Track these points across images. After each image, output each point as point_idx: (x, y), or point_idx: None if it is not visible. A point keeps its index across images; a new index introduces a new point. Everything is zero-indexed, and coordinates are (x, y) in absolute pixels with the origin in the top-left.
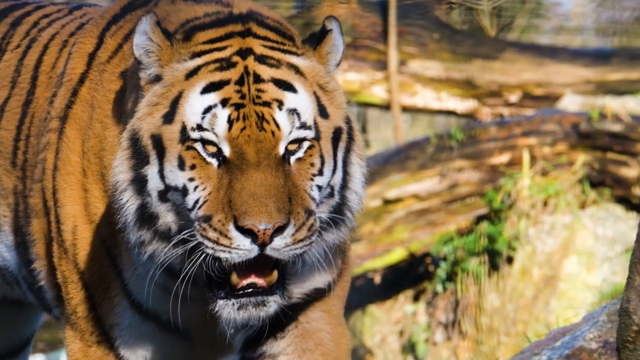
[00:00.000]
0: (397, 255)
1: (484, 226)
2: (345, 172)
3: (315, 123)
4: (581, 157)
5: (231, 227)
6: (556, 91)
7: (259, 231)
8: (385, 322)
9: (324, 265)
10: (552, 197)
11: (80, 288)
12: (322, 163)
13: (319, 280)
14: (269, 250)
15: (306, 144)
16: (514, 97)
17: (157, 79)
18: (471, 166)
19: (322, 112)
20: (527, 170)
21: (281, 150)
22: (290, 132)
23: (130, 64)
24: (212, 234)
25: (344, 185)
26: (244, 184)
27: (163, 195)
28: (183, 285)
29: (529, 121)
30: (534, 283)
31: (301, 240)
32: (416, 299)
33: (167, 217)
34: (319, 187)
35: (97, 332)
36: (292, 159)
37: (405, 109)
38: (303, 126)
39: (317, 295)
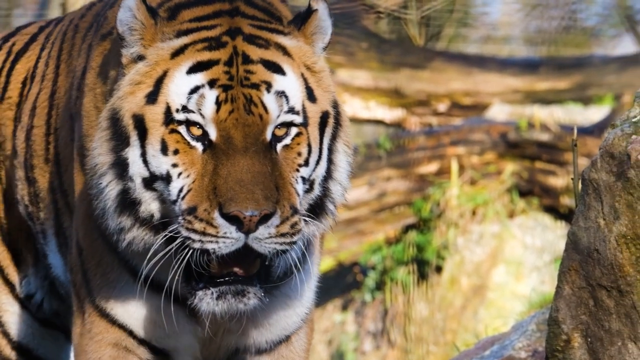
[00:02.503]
0: (325, 264)
1: (413, 235)
2: (330, 161)
3: (304, 107)
4: (509, 167)
5: (216, 214)
6: (484, 100)
7: (244, 218)
8: (314, 331)
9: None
10: (481, 206)
11: (79, 267)
12: (309, 152)
13: (294, 320)
14: (251, 240)
15: (294, 131)
16: (442, 107)
17: (140, 57)
18: (399, 175)
19: (310, 95)
20: (455, 179)
21: (268, 135)
22: (278, 115)
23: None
24: (198, 225)
25: (328, 175)
26: (230, 170)
27: (149, 184)
28: (174, 279)
29: (457, 130)
30: (462, 292)
31: (283, 235)
32: (345, 308)
33: (150, 205)
34: (303, 179)
35: (96, 306)
36: (279, 146)
37: None
38: (291, 110)
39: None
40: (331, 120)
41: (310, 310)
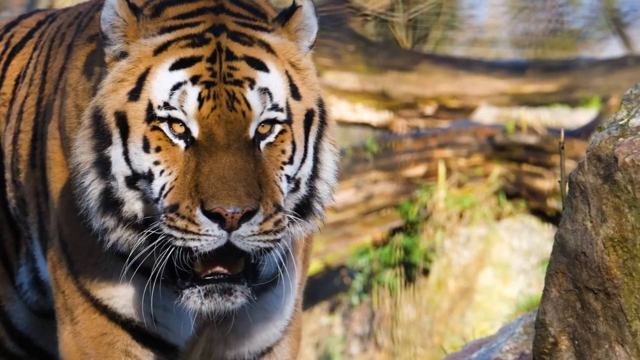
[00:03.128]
0: (312, 267)
1: (400, 238)
2: (316, 160)
3: (288, 105)
4: (496, 169)
5: (198, 212)
6: (471, 103)
7: (227, 215)
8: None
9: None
10: (468, 209)
11: (65, 261)
12: (294, 150)
13: (274, 332)
14: (233, 237)
15: (277, 128)
16: (429, 109)
17: (123, 55)
18: (386, 178)
19: (294, 92)
20: (442, 182)
21: (251, 132)
22: (262, 112)
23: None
24: (180, 223)
25: (314, 174)
26: (213, 167)
27: (131, 183)
28: (156, 278)
29: (444, 133)
30: (449, 295)
31: (267, 233)
32: (332, 311)
33: (134, 205)
34: (288, 178)
35: (86, 299)
36: (263, 143)
37: None
38: (275, 107)
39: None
40: (316, 119)
41: (291, 321)
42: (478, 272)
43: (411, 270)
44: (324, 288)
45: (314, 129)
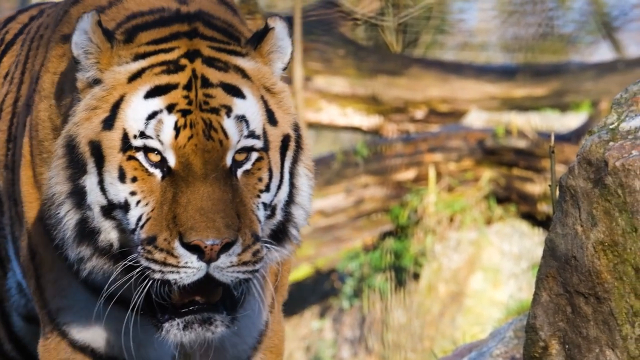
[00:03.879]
0: (303, 271)
1: (390, 242)
2: (292, 185)
3: (264, 131)
4: (487, 174)
5: (177, 244)
6: (461, 107)
7: (206, 247)
8: (292, 338)
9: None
10: (458, 213)
11: (32, 272)
12: (270, 177)
13: (264, 317)
14: (212, 269)
15: (254, 156)
16: (419, 114)
17: (97, 82)
18: (377, 182)
19: (271, 118)
20: (433, 186)
21: (228, 161)
22: (239, 140)
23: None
24: (158, 255)
25: (290, 199)
26: (190, 198)
27: (107, 212)
28: (134, 311)
29: (434, 137)
30: (440, 299)
31: (245, 264)
32: (322, 315)
33: (110, 234)
34: (265, 205)
35: (51, 319)
36: (240, 171)
37: (311, 125)
38: (252, 135)
39: (265, 327)
40: (292, 144)
41: (263, 338)
42: (468, 276)
43: (402, 274)
44: (314, 292)
45: (289, 154)
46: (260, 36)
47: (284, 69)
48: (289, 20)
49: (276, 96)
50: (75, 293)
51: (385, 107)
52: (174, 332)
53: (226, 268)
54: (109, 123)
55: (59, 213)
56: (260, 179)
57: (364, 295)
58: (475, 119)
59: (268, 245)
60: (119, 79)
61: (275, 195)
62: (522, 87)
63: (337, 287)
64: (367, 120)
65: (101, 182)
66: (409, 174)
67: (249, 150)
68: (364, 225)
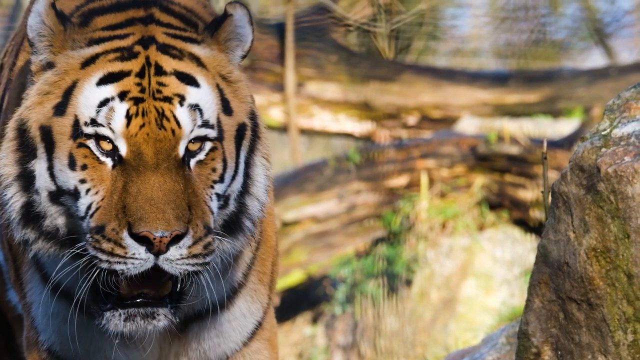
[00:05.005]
0: (295, 277)
1: (383, 248)
2: (247, 176)
3: (219, 121)
4: (479, 180)
5: (125, 234)
6: (454, 113)
7: (154, 239)
8: (284, 344)
9: (257, 302)
10: (451, 219)
11: (12, 263)
12: (224, 168)
13: (254, 318)
14: (161, 261)
15: (208, 145)
16: (412, 120)
17: (50, 65)
18: (369, 188)
19: (226, 107)
20: (425, 192)
21: (181, 151)
22: (192, 130)
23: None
24: (106, 245)
25: (245, 190)
26: (141, 188)
27: (55, 198)
28: (80, 297)
29: (426, 143)
30: (432, 305)
31: (195, 256)
32: (315, 321)
33: (57, 220)
34: (218, 196)
35: (27, 313)
36: (193, 161)
37: (303, 131)
38: (205, 124)
39: (255, 331)
40: (248, 133)
41: (255, 334)
42: (461, 283)
43: (394, 280)
44: (306, 298)
45: (245, 144)
46: (218, 23)
47: (244, 57)
48: (282, 27)
49: (232, 85)
50: (38, 287)
51: (378, 113)
52: (115, 322)
53: (175, 260)
54: (60, 109)
55: (5, 195)
56: (214, 170)
57: (356, 301)
58: (468, 125)
59: (220, 238)
60: (72, 64)
61: (229, 185)
62: (514, 94)
63: (329, 293)
64: (359, 127)
65: (51, 168)
66: (401, 180)
67: (202, 140)
68: (357, 232)
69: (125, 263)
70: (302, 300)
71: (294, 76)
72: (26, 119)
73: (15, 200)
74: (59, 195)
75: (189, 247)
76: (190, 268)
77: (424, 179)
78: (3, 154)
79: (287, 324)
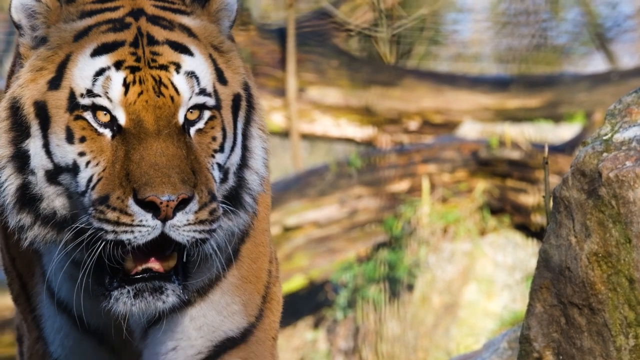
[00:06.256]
0: (296, 282)
1: (384, 253)
2: (245, 148)
3: (215, 90)
4: (480, 185)
5: (131, 201)
6: (455, 118)
7: (161, 203)
8: (285, 349)
9: (238, 305)
10: (452, 224)
11: (15, 277)
12: (224, 137)
13: (231, 325)
14: (168, 228)
15: (207, 114)
16: (413, 125)
17: (43, 41)
18: (370, 193)
19: (220, 77)
20: (426, 197)
21: (181, 118)
22: (190, 97)
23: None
24: (111, 215)
25: (243, 163)
26: (143, 154)
27: (52, 177)
28: (85, 277)
29: (428, 148)
30: (434, 310)
31: (202, 222)
32: (316, 326)
33: (54, 201)
34: (219, 166)
35: (34, 326)
36: (192, 130)
37: (304, 136)
38: (203, 92)
39: (231, 344)
40: (244, 104)
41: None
42: (462, 288)
43: (395, 285)
44: (308, 303)
45: (241, 115)
46: None
47: (231, 27)
48: (283, 32)
49: (224, 55)
50: (46, 304)
51: (379, 118)
52: (124, 300)
53: (182, 226)
54: (55, 83)
55: (0, 177)
56: (214, 138)
57: (357, 306)
58: (469, 130)
59: (223, 207)
60: (65, 38)
61: (229, 157)
62: (515, 98)
63: (330, 298)
64: (360, 132)
65: (46, 145)
66: (402, 185)
67: (201, 107)
68: (358, 236)
69: (132, 232)
70: (303, 305)
71: (295, 81)
72: (19, 96)
73: (10, 182)
74: (56, 173)
75: (196, 212)
76: (197, 235)
77: (425, 184)
78: None
79: (289, 328)
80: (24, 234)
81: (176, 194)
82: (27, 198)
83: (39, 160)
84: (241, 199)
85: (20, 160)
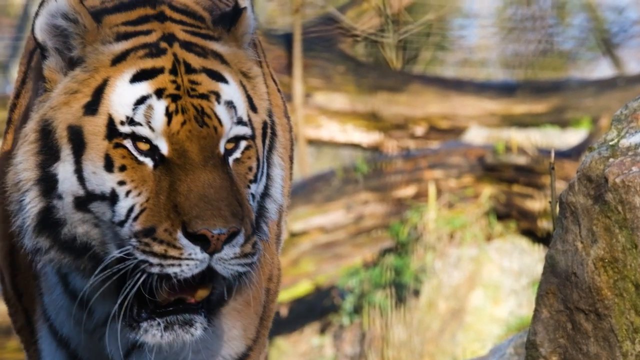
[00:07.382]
0: (303, 288)
1: (390, 259)
2: (268, 176)
3: (249, 118)
4: (487, 190)
5: (179, 234)
6: (461, 124)
7: (212, 236)
8: (292, 355)
9: (238, 329)
10: (458, 229)
11: (20, 310)
12: (258, 167)
13: (230, 350)
14: (215, 261)
15: (243, 144)
16: (419, 130)
17: (79, 62)
18: (377, 199)
19: (252, 105)
20: (433, 202)
21: (222, 148)
22: (231, 128)
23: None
24: (157, 248)
25: (265, 192)
26: (191, 186)
27: (82, 204)
28: (83, 312)
29: (434, 154)
30: (440, 316)
31: (246, 255)
32: (322, 331)
33: (77, 228)
34: (253, 197)
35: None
36: (231, 160)
37: (311, 142)
38: (240, 121)
39: None
40: (269, 131)
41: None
42: (468, 293)
43: (402, 290)
44: (314, 309)
45: (267, 143)
46: (233, 18)
47: (248, 45)
48: (289, 38)
49: (252, 81)
50: (47, 340)
51: (385, 123)
52: (153, 332)
53: (229, 260)
54: (91, 108)
55: (23, 199)
56: (250, 169)
57: (364, 311)
58: (475, 135)
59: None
60: (102, 61)
61: (258, 187)
62: (522, 104)
63: (337, 303)
64: (367, 137)
65: (79, 171)
66: (409, 191)
67: (239, 139)
68: (364, 242)
69: (179, 265)
70: (309, 311)
71: (301, 86)
72: (51, 119)
73: (33, 205)
74: (87, 200)
75: (242, 245)
76: (240, 269)
77: (431, 190)
78: (23, 158)
79: (295, 334)
80: (39, 256)
81: (227, 227)
82: (48, 222)
83: (68, 186)
84: (260, 228)
85: (47, 183)
